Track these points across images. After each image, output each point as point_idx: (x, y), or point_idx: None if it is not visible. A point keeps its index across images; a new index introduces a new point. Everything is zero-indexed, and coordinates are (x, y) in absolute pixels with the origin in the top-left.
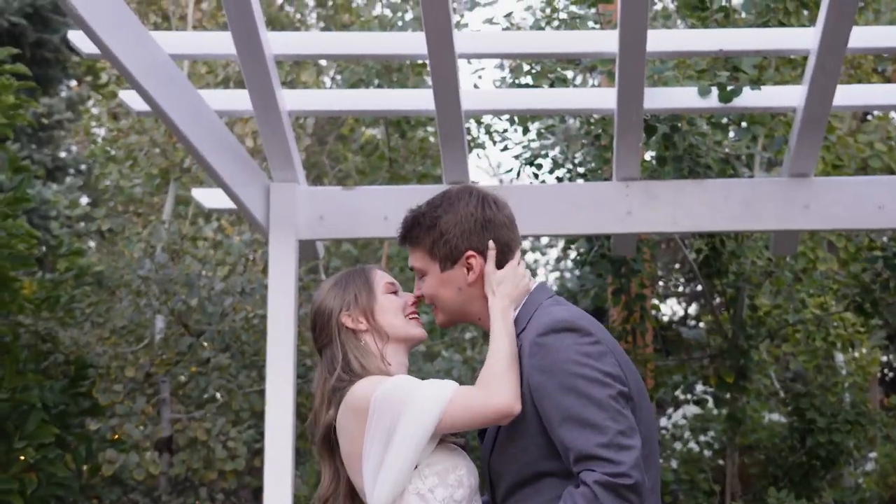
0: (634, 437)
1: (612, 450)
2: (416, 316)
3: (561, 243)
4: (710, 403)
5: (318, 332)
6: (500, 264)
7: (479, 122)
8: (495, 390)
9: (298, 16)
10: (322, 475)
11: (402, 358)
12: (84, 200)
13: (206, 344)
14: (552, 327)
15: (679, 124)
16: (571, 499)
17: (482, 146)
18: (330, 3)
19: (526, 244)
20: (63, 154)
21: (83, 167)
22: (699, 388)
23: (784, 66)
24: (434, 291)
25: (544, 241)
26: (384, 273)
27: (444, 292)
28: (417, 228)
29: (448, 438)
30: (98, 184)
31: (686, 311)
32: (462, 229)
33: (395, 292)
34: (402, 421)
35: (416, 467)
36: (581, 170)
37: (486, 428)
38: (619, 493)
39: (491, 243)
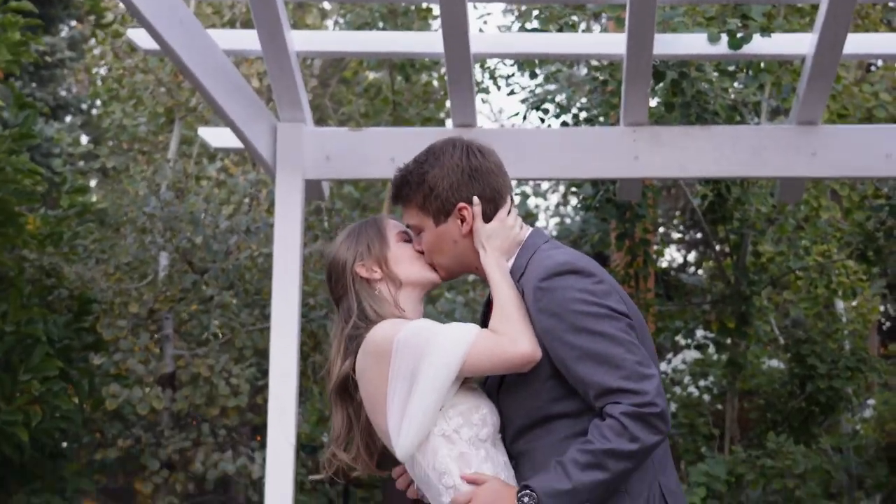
0: (652, 367)
1: (633, 380)
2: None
3: (562, 188)
4: (711, 349)
5: (333, 284)
6: (491, 214)
7: (483, 67)
8: (517, 336)
9: None
10: (333, 421)
11: (417, 304)
12: (85, 139)
13: (209, 282)
14: (554, 270)
15: (687, 70)
16: (599, 431)
17: (486, 91)
18: None
19: (527, 189)
20: (64, 93)
21: (84, 106)
22: (699, 333)
23: (792, 15)
24: (431, 246)
25: (545, 185)
26: (396, 222)
27: (442, 246)
28: (406, 187)
29: (467, 379)
30: (100, 123)
31: (685, 258)
32: (450, 181)
33: (407, 240)
34: (425, 363)
35: (440, 409)
36: (586, 115)
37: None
38: (648, 420)
39: (475, 199)
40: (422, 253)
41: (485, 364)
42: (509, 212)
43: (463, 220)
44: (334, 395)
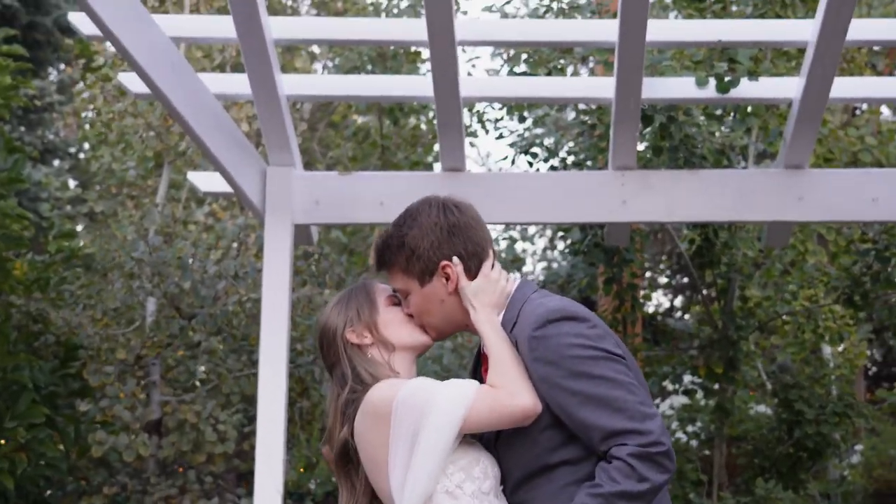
0: (653, 406)
1: (637, 421)
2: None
3: (549, 232)
4: (699, 394)
5: (325, 351)
6: (475, 270)
7: (471, 111)
8: (516, 390)
9: (290, 2)
10: (340, 492)
11: (410, 366)
12: (73, 183)
13: (196, 327)
14: (548, 318)
15: (675, 114)
16: (607, 474)
17: (474, 134)
18: None
19: (514, 234)
20: (52, 137)
21: (72, 150)
22: (687, 378)
23: (778, 59)
24: (419, 308)
25: (532, 230)
26: (386, 286)
27: (430, 307)
28: (388, 251)
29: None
30: (88, 167)
31: (672, 303)
32: (430, 241)
33: (397, 303)
34: (426, 423)
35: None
36: (574, 159)
37: None
38: (655, 460)
39: (455, 259)
40: (411, 316)
41: (485, 420)
42: (493, 265)
43: (448, 279)
44: (337, 463)
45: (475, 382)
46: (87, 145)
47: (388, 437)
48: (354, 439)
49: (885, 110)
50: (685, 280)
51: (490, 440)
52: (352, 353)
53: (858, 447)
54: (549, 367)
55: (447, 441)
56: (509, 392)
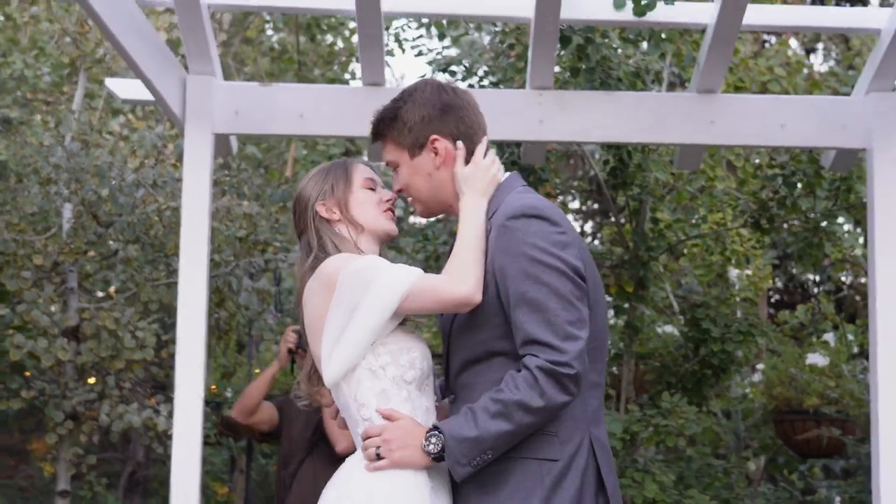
0: (583, 330)
1: (558, 338)
2: (391, 211)
3: None
4: (609, 312)
5: (297, 218)
6: (466, 154)
7: (387, 30)
8: (460, 279)
9: None
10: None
11: (375, 249)
12: None
13: (114, 235)
14: (522, 212)
15: (592, 36)
16: (514, 381)
17: (391, 54)
18: None
19: None
20: None
21: None
22: None
23: None
24: (407, 180)
25: None
26: (366, 168)
27: (417, 179)
28: (382, 123)
29: (409, 320)
30: (4, 73)
31: (583, 228)
32: (422, 115)
33: (372, 188)
34: (366, 297)
35: (371, 344)
36: (492, 79)
37: None
38: (560, 380)
39: (459, 143)
40: (400, 191)
41: (424, 304)
42: (486, 153)
43: (436, 153)
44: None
45: (420, 270)
46: None
47: (330, 305)
48: (302, 302)
49: (793, 42)
50: (596, 206)
51: (447, 321)
52: (319, 224)
53: (760, 366)
54: (507, 257)
55: (381, 318)
56: (455, 279)
